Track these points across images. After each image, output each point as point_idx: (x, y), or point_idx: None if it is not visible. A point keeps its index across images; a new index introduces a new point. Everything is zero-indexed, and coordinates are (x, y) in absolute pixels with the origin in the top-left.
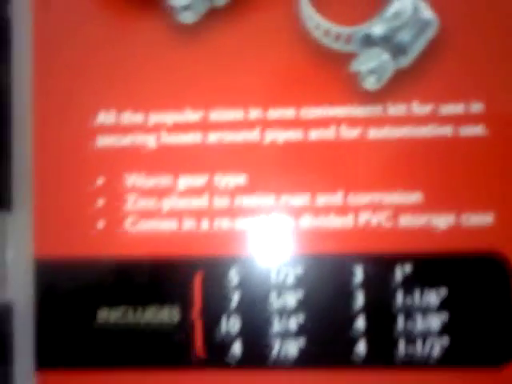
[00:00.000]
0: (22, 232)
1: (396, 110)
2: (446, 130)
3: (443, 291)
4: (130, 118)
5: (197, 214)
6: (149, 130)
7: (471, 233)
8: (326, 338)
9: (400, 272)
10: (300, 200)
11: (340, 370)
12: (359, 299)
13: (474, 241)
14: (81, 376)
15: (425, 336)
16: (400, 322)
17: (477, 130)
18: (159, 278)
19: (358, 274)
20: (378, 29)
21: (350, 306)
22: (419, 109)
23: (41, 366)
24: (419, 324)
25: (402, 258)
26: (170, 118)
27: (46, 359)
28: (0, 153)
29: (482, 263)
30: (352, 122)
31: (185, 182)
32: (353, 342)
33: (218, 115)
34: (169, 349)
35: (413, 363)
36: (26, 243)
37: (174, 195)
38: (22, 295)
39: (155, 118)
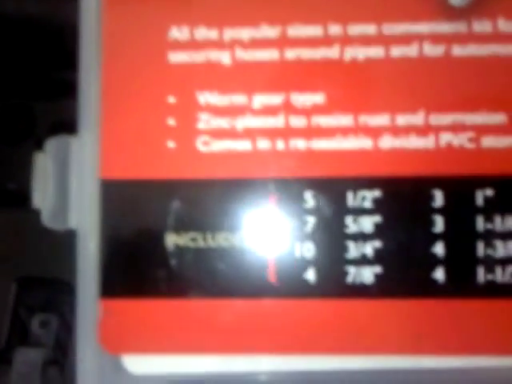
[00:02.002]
0: (89, 155)
1: (481, 26)
2: None
3: None
4: (203, 33)
5: (272, 133)
6: (223, 46)
7: None
8: (403, 264)
9: (481, 196)
10: (379, 120)
11: (418, 297)
12: (439, 224)
13: None
14: (147, 304)
15: (506, 263)
16: (480, 248)
17: None
18: (231, 201)
19: (438, 198)
20: None
21: (429, 231)
22: (505, 26)
23: (105, 293)
24: (500, 250)
25: (483, 182)
26: (245, 33)
27: (110, 286)
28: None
29: None
30: (435, 38)
31: (260, 100)
32: (431, 268)
33: (295, 31)
34: (240, 276)
35: (493, 291)
36: (93, 166)
37: (249, 114)
38: (87, 220)
39: (230, 33)
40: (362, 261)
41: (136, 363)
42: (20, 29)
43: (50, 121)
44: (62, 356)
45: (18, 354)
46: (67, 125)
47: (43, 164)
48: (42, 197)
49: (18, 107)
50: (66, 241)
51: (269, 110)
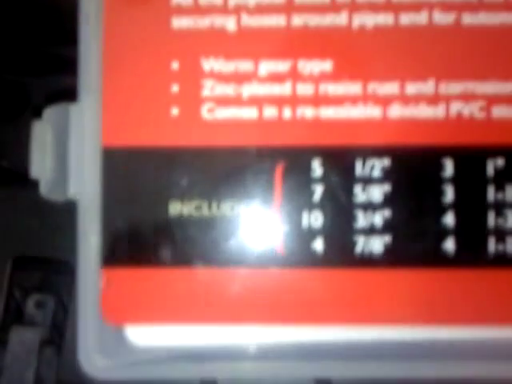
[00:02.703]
0: (89, 123)
1: None
2: None
3: None
4: None
5: (279, 101)
6: (229, 11)
7: None
8: (413, 234)
9: (492, 166)
10: (388, 88)
11: (428, 267)
12: (449, 194)
13: None
14: (150, 273)
15: None
16: (491, 218)
17: None
18: (237, 170)
19: (448, 167)
20: None
21: (438, 200)
22: None
23: (107, 263)
24: (511, 220)
25: (494, 151)
26: None
27: (112, 256)
28: (67, 35)
29: None
30: (445, 6)
31: (266, 67)
32: (441, 238)
33: None
34: (245, 245)
35: (504, 261)
36: (94, 134)
37: (255, 81)
38: (88, 189)
39: None
40: (371, 230)
41: (138, 334)
42: (16, 5)
43: (46, 97)
44: (58, 336)
45: (13, 334)
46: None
47: (41, 133)
48: (40, 167)
49: (13, 83)
50: (63, 220)
51: (275, 78)
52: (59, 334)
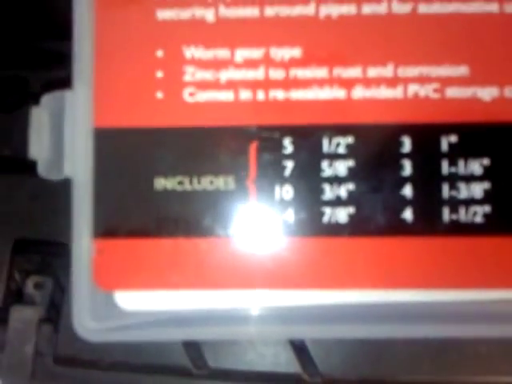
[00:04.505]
0: (82, 107)
1: None
2: (492, 7)
3: (486, 161)
4: None
5: (253, 85)
6: (208, 3)
7: None
8: (374, 205)
9: (446, 142)
10: (352, 72)
11: (388, 236)
12: (407, 168)
13: None
14: (138, 243)
15: (468, 204)
16: (445, 190)
17: None
18: (215, 147)
19: (406, 144)
20: None
21: (397, 174)
22: None
23: (98, 234)
24: (463, 192)
25: (448, 128)
26: None
27: (103, 227)
28: (61, 31)
29: None
30: None
31: (242, 54)
32: (400, 209)
33: None
34: (223, 216)
35: (457, 229)
36: (86, 118)
37: (231, 67)
38: (81, 168)
39: None
40: (337, 202)
41: (128, 299)
42: (14, 4)
43: (42, 88)
44: (55, 315)
45: (13, 312)
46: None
47: (39, 118)
48: (38, 148)
49: (12, 77)
50: (61, 204)
51: (250, 63)
52: (57, 313)
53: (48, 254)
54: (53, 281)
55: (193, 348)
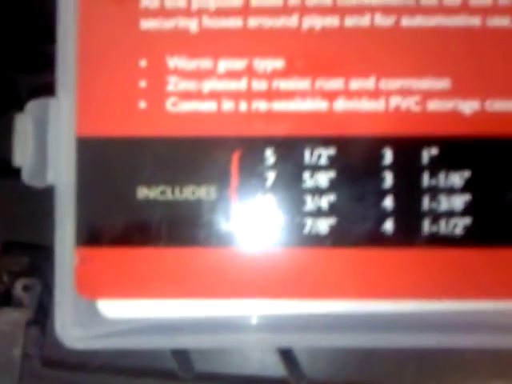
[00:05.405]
0: (66, 115)
1: (428, 0)
2: (475, 21)
3: (467, 173)
4: (172, 2)
5: (235, 95)
6: (191, 14)
7: (496, 118)
8: (355, 216)
9: (427, 154)
10: (334, 84)
11: (368, 247)
12: (388, 180)
13: (498, 126)
14: (120, 252)
15: (449, 216)
16: (425, 202)
17: (504, 22)
18: (198, 157)
19: (388, 156)
20: None
21: (378, 186)
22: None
23: (81, 242)
24: (444, 204)
25: (429, 141)
26: (212, 2)
27: (86, 236)
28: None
29: (505, 147)
30: (386, 10)
31: (225, 65)
32: (381, 220)
33: (258, 1)
34: (206, 226)
35: (437, 241)
36: (70, 126)
37: (214, 78)
38: (64, 175)
39: (198, 2)
40: (318, 213)
41: (110, 307)
42: (4, 7)
43: (31, 92)
44: (43, 316)
45: (1, 314)
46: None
47: (23, 125)
48: (22, 156)
49: (2, 79)
50: (50, 208)
51: (233, 74)
52: (44, 315)
53: (36, 257)
54: (41, 283)
55: (179, 352)
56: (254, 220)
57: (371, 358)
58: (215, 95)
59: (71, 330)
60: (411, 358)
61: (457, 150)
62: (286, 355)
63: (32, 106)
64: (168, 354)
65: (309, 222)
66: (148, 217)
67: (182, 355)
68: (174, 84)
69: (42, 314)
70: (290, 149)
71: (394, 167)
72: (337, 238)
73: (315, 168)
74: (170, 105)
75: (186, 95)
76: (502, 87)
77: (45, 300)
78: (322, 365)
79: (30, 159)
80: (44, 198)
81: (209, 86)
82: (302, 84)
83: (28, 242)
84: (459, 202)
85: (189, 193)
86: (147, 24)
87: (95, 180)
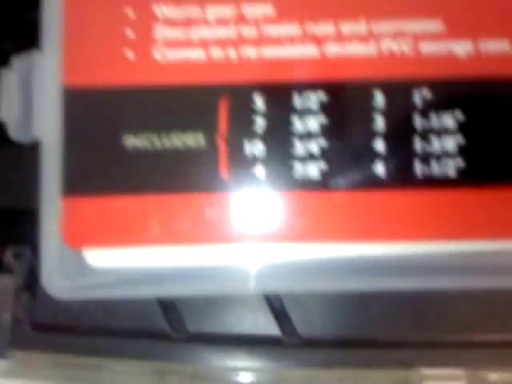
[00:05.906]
0: (51, 68)
1: None
2: None
3: (459, 115)
4: None
5: (224, 42)
6: None
7: (489, 59)
8: (346, 160)
9: (418, 96)
10: (324, 28)
11: (360, 190)
12: (379, 122)
13: (491, 67)
14: (107, 200)
15: (440, 157)
16: (417, 143)
17: None
18: (185, 104)
19: (378, 98)
20: None
21: (369, 128)
22: None
23: (67, 192)
24: (435, 145)
25: (420, 83)
26: None
27: (72, 186)
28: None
29: (498, 88)
30: None
31: (213, 11)
32: (372, 163)
33: None
34: (193, 172)
35: (429, 182)
36: (55, 79)
37: (202, 25)
38: (50, 128)
39: None
40: (308, 157)
41: (97, 257)
42: None
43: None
44: (33, 282)
45: None
46: None
47: (9, 80)
48: (8, 111)
49: None
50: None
51: (221, 21)
52: (34, 281)
53: (25, 223)
54: (31, 249)
55: (171, 311)
56: (244, 165)
57: (363, 314)
58: (204, 43)
59: (57, 281)
60: (404, 313)
61: (449, 91)
62: (279, 313)
63: (17, 60)
64: (160, 315)
65: (299, 166)
66: (135, 165)
67: (174, 314)
68: (161, 32)
69: (33, 280)
70: (280, 94)
71: (385, 110)
72: (328, 182)
73: (305, 112)
74: (157, 53)
75: (174, 43)
76: (494, 27)
77: (35, 266)
78: (315, 322)
79: (16, 113)
80: (25, 162)
81: (197, 33)
82: (292, 29)
83: (15, 208)
84: (451, 143)
85: (176, 140)
86: None
87: (82, 130)
